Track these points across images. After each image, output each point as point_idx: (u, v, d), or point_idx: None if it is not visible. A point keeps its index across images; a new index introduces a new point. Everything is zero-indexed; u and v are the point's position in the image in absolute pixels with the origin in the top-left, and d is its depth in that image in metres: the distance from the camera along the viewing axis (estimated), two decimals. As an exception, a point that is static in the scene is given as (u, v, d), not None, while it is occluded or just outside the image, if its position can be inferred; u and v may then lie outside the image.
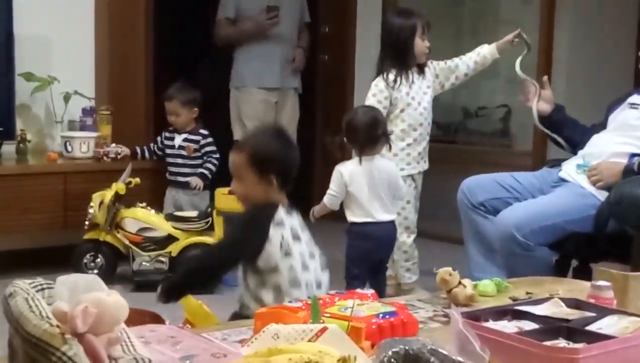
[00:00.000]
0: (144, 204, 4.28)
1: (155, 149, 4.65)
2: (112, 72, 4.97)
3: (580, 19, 5.20)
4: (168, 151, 4.59)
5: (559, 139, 3.67)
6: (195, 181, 4.47)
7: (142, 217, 4.22)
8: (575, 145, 3.58)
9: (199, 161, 4.55)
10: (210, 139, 4.57)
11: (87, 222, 4.20)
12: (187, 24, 7.91)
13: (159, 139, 4.66)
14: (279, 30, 5.15)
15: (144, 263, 4.21)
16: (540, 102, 3.64)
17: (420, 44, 3.90)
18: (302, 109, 5.43)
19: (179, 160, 4.56)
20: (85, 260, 4.24)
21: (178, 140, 4.57)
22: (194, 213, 4.29)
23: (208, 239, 4.20)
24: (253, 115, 5.21)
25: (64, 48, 4.84)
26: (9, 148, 4.57)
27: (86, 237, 4.25)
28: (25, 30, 4.62)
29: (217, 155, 4.56)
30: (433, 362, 1.35)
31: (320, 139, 6.11)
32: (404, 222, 3.86)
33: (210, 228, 4.22)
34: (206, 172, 4.51)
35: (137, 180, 4.30)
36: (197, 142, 4.55)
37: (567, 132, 3.61)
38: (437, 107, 6.06)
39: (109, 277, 4.18)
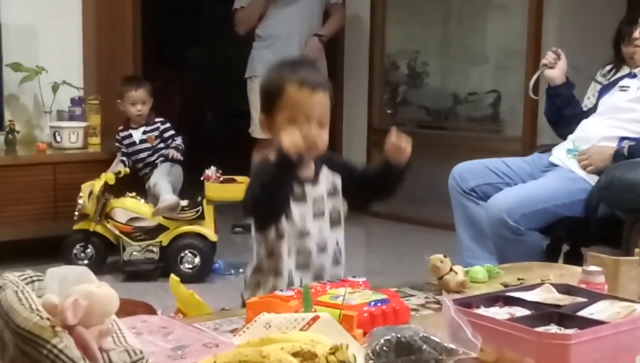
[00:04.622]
0: (133, 194, 4.27)
1: (124, 156, 4.49)
2: (100, 61, 4.96)
3: (569, 4, 5.19)
4: (130, 150, 4.47)
5: (551, 110, 3.64)
6: (172, 152, 4.42)
7: (131, 207, 4.21)
8: (565, 126, 3.57)
9: (163, 149, 4.49)
10: (168, 124, 4.52)
11: (76, 213, 4.18)
12: (175, 13, 7.90)
13: (117, 143, 4.52)
14: (295, 19, 5.09)
15: (134, 253, 4.21)
16: (553, 70, 3.57)
17: (624, 50, 3.88)
18: None
19: (144, 154, 4.46)
20: (75, 251, 4.23)
21: (137, 135, 4.47)
22: (184, 202, 4.28)
23: (199, 228, 4.20)
24: (259, 106, 5.18)
25: (52, 38, 4.82)
26: (-2, 139, 4.56)
27: (76, 227, 4.24)
28: (13, 20, 4.60)
29: (179, 136, 4.53)
30: (425, 350, 1.35)
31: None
32: None
33: (201, 217, 4.21)
34: (179, 146, 4.47)
35: (127, 170, 4.29)
36: (157, 129, 4.49)
37: (568, 111, 3.59)
38: (426, 93, 6.11)
39: (100, 267, 4.18)
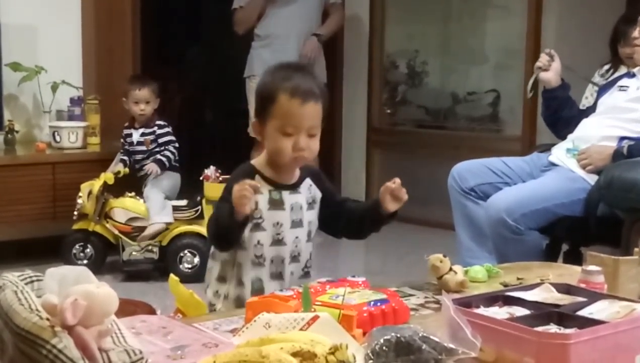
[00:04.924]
0: (132, 194, 4.27)
1: (124, 155, 4.45)
2: (99, 61, 4.96)
3: (568, 3, 5.19)
4: (130, 149, 4.43)
5: (547, 112, 3.66)
6: (150, 167, 4.32)
7: (130, 207, 4.21)
8: (564, 127, 3.57)
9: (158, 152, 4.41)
10: (167, 129, 4.43)
11: (75, 212, 4.18)
12: (174, 13, 7.89)
13: (121, 139, 4.49)
14: (293, 18, 5.09)
15: (134, 253, 4.21)
16: (547, 73, 3.55)
17: (620, 50, 3.90)
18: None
19: (139, 156, 4.40)
20: (74, 251, 4.23)
21: (135, 136, 4.41)
22: (183, 202, 4.27)
23: (198, 228, 4.20)
24: None
25: (51, 37, 4.82)
26: (-3, 139, 4.56)
27: (75, 227, 4.24)
28: (12, 20, 4.60)
29: (176, 144, 4.43)
30: (425, 349, 1.35)
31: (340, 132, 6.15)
32: None
33: (200, 217, 4.21)
34: (163, 159, 4.36)
35: (126, 170, 4.29)
36: (153, 133, 4.40)
37: (566, 113, 3.59)
38: (426, 92, 6.11)
39: (99, 267, 4.18)
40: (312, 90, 2.03)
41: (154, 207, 4.18)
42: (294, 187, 2.11)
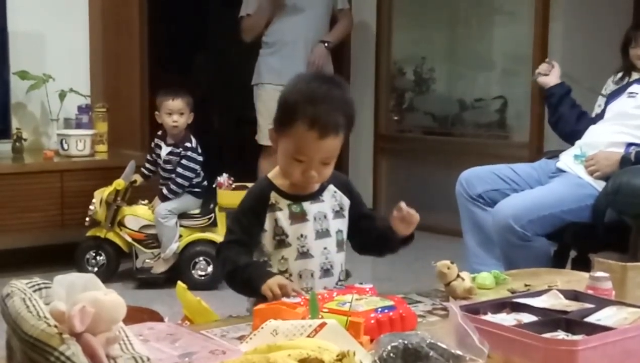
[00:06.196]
0: (145, 202, 4.26)
1: (150, 164, 4.33)
2: (107, 69, 4.97)
3: (575, 10, 5.19)
4: (159, 161, 4.28)
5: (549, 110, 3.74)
6: (155, 203, 4.20)
7: (143, 214, 4.20)
8: (565, 125, 3.60)
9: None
10: (189, 152, 4.19)
11: (87, 219, 4.19)
12: (182, 20, 7.91)
13: (151, 154, 4.34)
14: (301, 25, 5.10)
15: (147, 260, 4.21)
16: (547, 77, 3.71)
17: (632, 52, 3.92)
18: None
19: (165, 174, 4.25)
20: (87, 256, 4.23)
21: (164, 151, 4.25)
22: (196, 210, 4.24)
23: (211, 235, 4.19)
24: (265, 113, 5.17)
25: (59, 45, 4.83)
26: (5, 147, 4.57)
27: (89, 234, 4.24)
28: (20, 28, 4.62)
29: (195, 169, 4.20)
30: (432, 356, 1.35)
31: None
32: None
33: (213, 225, 4.19)
34: (168, 193, 4.17)
35: (142, 179, 4.28)
36: (178, 154, 4.20)
37: (565, 110, 3.61)
38: (433, 99, 6.11)
39: (112, 274, 4.18)
40: (334, 122, 1.89)
41: (165, 240, 4.13)
42: (315, 196, 2.02)
